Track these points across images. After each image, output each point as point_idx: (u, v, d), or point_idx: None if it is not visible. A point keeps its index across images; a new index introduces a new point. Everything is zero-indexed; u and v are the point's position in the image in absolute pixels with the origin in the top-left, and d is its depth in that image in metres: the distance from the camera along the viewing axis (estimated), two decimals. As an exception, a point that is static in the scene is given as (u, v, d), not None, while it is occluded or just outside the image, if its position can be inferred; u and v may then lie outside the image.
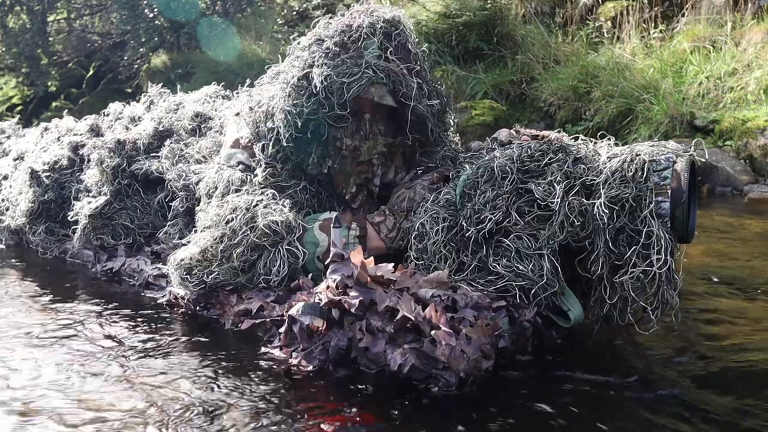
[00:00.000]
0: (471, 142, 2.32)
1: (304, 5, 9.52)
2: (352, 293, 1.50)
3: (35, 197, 2.90)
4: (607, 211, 1.55)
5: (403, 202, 1.88)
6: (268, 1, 10.69)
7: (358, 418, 1.32)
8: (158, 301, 2.13)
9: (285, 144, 1.89)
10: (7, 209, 3.16)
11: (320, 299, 1.54)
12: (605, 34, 5.94)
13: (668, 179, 1.58)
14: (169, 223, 2.38)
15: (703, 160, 1.82)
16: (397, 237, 1.86)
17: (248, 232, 1.80)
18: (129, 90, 10.55)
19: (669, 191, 1.58)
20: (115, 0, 10.09)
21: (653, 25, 5.73)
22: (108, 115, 3.23)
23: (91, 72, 12.24)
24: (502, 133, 2.03)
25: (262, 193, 1.90)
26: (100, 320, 1.98)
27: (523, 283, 1.59)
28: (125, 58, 10.82)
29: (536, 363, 1.58)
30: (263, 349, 1.66)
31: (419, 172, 1.99)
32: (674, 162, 1.61)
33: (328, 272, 1.59)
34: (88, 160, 2.84)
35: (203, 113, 2.74)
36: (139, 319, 1.97)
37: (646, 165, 1.59)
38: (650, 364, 1.59)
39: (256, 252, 1.81)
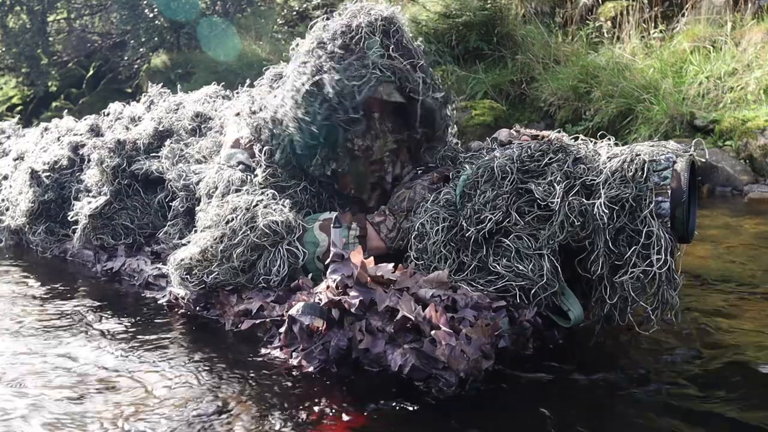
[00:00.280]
0: (471, 142, 2.32)
1: (304, 5, 9.52)
2: (352, 293, 1.50)
3: (35, 197, 2.90)
4: (607, 211, 1.55)
5: (403, 202, 1.88)
6: (268, 1, 10.69)
7: (358, 418, 1.32)
8: (158, 301, 2.13)
9: (300, 152, 1.89)
10: (7, 209, 3.16)
11: (320, 299, 1.54)
12: (605, 34, 5.93)
13: (668, 179, 1.58)
14: (169, 223, 2.38)
15: (703, 160, 1.81)
16: (397, 237, 1.86)
17: (248, 232, 1.80)
18: (129, 90, 10.55)
19: (669, 191, 1.58)
20: (115, 0, 10.09)
21: (653, 25, 5.72)
22: (108, 115, 3.24)
23: (91, 72, 12.24)
24: (502, 133, 2.04)
25: (262, 193, 1.90)
26: (100, 320, 1.98)
27: (523, 283, 1.59)
28: (125, 58, 10.82)
29: (536, 363, 1.58)
30: (263, 350, 1.66)
31: (419, 172, 1.99)
32: (674, 162, 1.61)
33: (328, 272, 1.59)
34: (88, 160, 2.84)
35: (203, 113, 2.74)
36: (139, 319, 1.98)
37: (646, 165, 1.59)
38: (650, 364, 1.58)
39: (256, 252, 1.81)
